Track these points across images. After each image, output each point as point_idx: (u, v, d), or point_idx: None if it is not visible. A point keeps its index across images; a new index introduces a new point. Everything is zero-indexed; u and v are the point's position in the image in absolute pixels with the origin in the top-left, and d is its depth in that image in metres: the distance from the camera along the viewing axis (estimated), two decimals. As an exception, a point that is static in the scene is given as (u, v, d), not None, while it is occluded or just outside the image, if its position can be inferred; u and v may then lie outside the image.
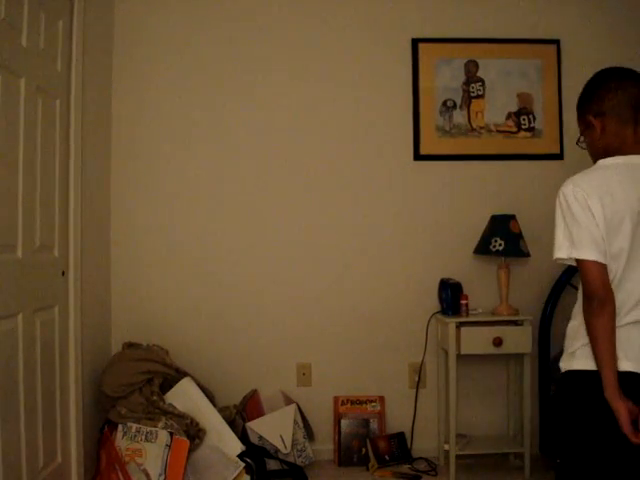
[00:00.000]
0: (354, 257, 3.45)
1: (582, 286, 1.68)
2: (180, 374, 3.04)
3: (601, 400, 1.61)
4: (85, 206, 2.92)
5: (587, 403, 1.67)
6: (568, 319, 1.80)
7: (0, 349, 2.22)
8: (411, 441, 3.40)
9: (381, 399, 3.41)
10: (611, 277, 1.65)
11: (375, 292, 3.45)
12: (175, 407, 2.87)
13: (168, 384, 3.01)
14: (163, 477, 2.68)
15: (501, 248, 3.19)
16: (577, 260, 1.66)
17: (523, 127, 3.50)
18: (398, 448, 3.34)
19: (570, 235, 1.66)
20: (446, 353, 3.25)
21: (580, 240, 1.64)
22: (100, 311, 3.22)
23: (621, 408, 1.58)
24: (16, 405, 2.33)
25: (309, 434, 3.32)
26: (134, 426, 2.78)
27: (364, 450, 3.31)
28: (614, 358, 1.61)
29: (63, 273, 2.75)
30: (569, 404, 1.72)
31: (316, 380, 3.43)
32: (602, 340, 1.61)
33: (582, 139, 1.85)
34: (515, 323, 3.20)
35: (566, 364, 1.75)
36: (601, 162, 1.76)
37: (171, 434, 2.72)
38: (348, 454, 3.32)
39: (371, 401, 3.40)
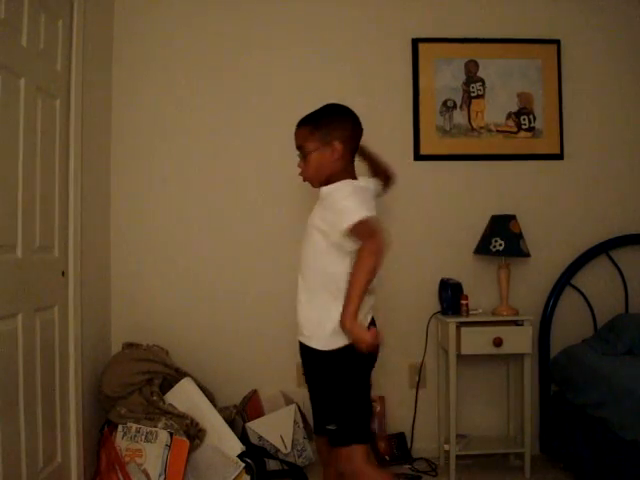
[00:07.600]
0: (354, 257, 3.44)
1: None
2: (180, 374, 3.04)
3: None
4: (85, 206, 2.92)
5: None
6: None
7: (0, 349, 2.22)
8: (411, 441, 3.40)
9: (381, 399, 3.40)
10: None
11: (375, 292, 3.44)
12: (175, 407, 2.87)
13: (168, 384, 3.00)
14: (163, 477, 2.68)
15: (501, 248, 3.19)
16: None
17: (523, 127, 3.49)
18: (398, 448, 3.34)
19: None
20: (446, 353, 3.25)
21: None
22: (100, 311, 3.22)
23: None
24: (16, 405, 2.33)
25: (309, 434, 3.31)
26: (134, 426, 2.78)
27: (364, 450, 3.30)
28: None
29: (63, 273, 2.74)
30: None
31: (316, 380, 3.42)
32: None
33: None
34: (515, 323, 3.20)
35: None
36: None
37: (171, 434, 2.72)
38: (348, 454, 3.32)
39: (371, 401, 3.39)
